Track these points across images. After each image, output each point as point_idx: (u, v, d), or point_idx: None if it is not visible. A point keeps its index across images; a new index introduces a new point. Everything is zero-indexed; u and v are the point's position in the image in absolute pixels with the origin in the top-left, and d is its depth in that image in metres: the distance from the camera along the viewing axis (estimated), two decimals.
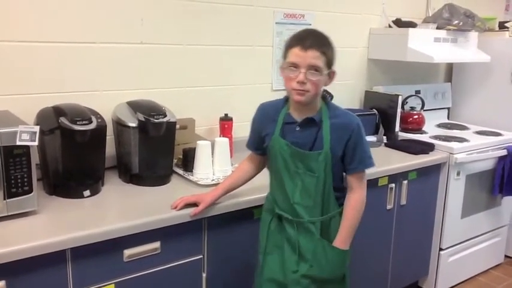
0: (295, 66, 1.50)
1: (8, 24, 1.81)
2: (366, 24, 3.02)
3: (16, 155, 1.49)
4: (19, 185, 1.51)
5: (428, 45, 2.89)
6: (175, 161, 2.09)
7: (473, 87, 3.40)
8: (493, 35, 3.28)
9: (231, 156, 2.09)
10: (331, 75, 1.57)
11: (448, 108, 3.51)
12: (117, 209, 1.73)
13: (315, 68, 1.50)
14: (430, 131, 3.01)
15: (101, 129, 1.80)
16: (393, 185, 2.38)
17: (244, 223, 1.84)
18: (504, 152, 2.85)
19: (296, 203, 1.61)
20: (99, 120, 1.79)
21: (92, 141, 1.75)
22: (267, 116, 1.67)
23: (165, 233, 1.63)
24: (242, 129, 2.18)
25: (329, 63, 1.54)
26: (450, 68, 3.56)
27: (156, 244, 1.63)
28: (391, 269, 2.55)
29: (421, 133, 2.94)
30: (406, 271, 2.66)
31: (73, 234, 1.44)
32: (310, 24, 2.72)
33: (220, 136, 2.25)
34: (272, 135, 1.62)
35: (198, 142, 1.99)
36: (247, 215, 1.84)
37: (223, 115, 2.31)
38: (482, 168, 2.81)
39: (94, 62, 2.02)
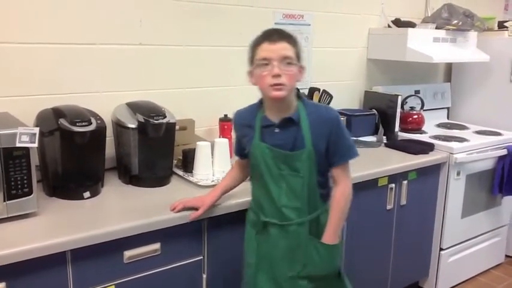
0: (266, 61, 1.47)
1: (8, 26, 1.81)
2: (365, 24, 3.02)
3: (16, 156, 1.49)
4: (19, 186, 1.51)
5: (427, 45, 2.89)
6: (175, 162, 2.09)
7: (472, 87, 3.40)
8: (492, 34, 3.28)
9: (230, 157, 2.08)
10: (300, 70, 1.54)
11: (448, 108, 3.51)
12: (117, 210, 1.73)
13: (287, 59, 1.47)
14: (429, 131, 3.01)
15: (101, 131, 1.79)
16: (393, 185, 2.37)
17: (244, 224, 1.83)
18: (504, 152, 2.85)
19: (283, 206, 1.58)
20: (99, 121, 1.79)
21: (92, 142, 1.75)
22: (244, 123, 1.65)
23: (165, 234, 1.63)
24: None
25: (298, 55, 1.52)
26: (449, 67, 3.56)
27: (156, 245, 1.63)
28: (392, 270, 2.55)
29: (421, 133, 2.94)
30: (407, 271, 2.66)
31: (73, 235, 1.44)
32: (309, 25, 2.72)
33: (219, 137, 2.25)
34: (252, 141, 1.59)
35: (198, 143, 1.99)
36: None
37: (223, 116, 2.31)
38: (482, 168, 2.81)
39: (93, 63, 2.03)
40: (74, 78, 1.99)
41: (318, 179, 1.60)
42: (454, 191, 2.68)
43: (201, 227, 1.73)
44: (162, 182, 1.95)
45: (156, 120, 1.88)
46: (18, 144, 1.49)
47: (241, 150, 1.71)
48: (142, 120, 1.87)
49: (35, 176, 1.55)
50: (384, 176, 2.32)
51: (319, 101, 2.68)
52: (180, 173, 2.04)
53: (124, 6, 2.07)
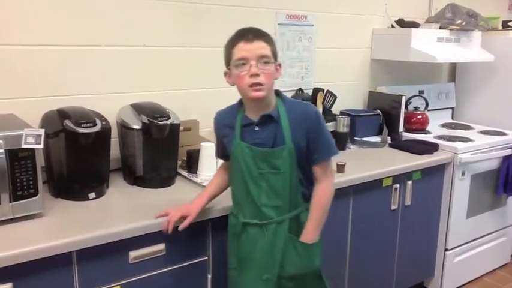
0: (244, 60, 1.46)
1: (13, 29, 1.82)
2: (368, 25, 3.02)
3: (21, 158, 1.50)
4: (24, 187, 1.52)
5: (431, 45, 2.89)
6: (179, 162, 2.09)
7: (477, 86, 3.39)
8: (497, 34, 3.28)
9: None
10: (277, 69, 1.54)
11: (452, 108, 3.50)
12: (122, 211, 1.73)
13: (265, 58, 1.47)
14: (434, 131, 3.00)
15: (105, 132, 1.80)
16: (397, 185, 2.37)
17: None
18: (509, 152, 2.84)
19: (263, 205, 1.57)
20: (104, 122, 1.80)
21: (97, 143, 1.76)
22: (224, 124, 1.63)
23: (170, 235, 1.62)
24: None
25: (274, 54, 1.52)
26: (454, 67, 3.55)
27: (161, 246, 1.63)
28: (397, 270, 2.54)
29: (425, 133, 2.94)
30: (412, 272, 2.65)
31: (78, 236, 1.45)
32: (312, 25, 2.73)
33: None
34: (233, 141, 1.58)
35: (202, 144, 2.00)
36: None
37: None
38: (487, 168, 2.80)
39: (98, 65, 2.03)
40: (79, 79, 1.99)
41: (300, 177, 1.59)
42: (459, 191, 2.67)
43: (206, 227, 1.74)
44: (166, 182, 1.95)
45: (160, 121, 1.88)
46: (23, 146, 1.50)
47: (223, 152, 1.68)
48: (147, 122, 1.88)
49: (40, 177, 1.56)
50: (389, 177, 2.32)
51: (323, 101, 2.68)
52: (185, 173, 2.04)
53: (127, 8, 2.07)
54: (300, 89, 2.69)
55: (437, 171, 2.59)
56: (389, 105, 2.86)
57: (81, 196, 1.75)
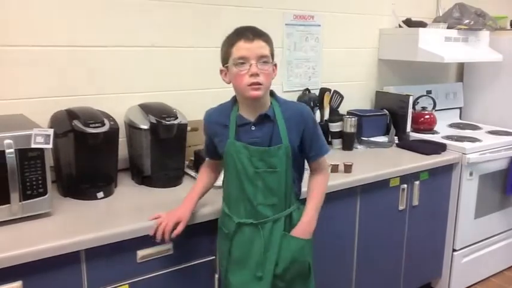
0: (243, 60, 1.45)
1: (21, 30, 1.84)
2: (375, 25, 3.01)
3: (31, 157, 1.52)
4: (34, 187, 1.54)
5: (439, 44, 2.88)
6: (186, 162, 2.10)
7: (485, 86, 3.37)
8: (505, 33, 3.25)
9: None
10: (274, 69, 1.54)
11: (460, 108, 3.49)
12: (130, 211, 1.74)
13: (264, 58, 1.47)
14: (442, 131, 2.99)
15: (114, 132, 1.82)
16: (405, 185, 2.36)
17: None
18: None
19: (259, 204, 1.56)
20: (112, 122, 1.81)
21: (105, 143, 1.78)
22: (216, 122, 1.61)
23: (177, 236, 1.63)
24: None
25: (272, 54, 1.52)
26: (461, 67, 3.54)
27: (169, 245, 1.64)
28: (404, 271, 2.53)
29: (433, 133, 2.93)
30: (419, 272, 2.64)
31: (87, 235, 1.46)
32: (319, 25, 2.73)
33: None
34: (226, 141, 1.56)
35: None
36: None
37: None
38: (495, 168, 2.78)
39: (106, 66, 2.05)
40: (87, 80, 2.01)
41: (293, 175, 1.61)
42: (466, 192, 2.66)
43: (213, 227, 1.74)
44: (174, 182, 1.96)
45: (168, 121, 1.89)
46: (33, 146, 1.51)
47: (213, 151, 1.66)
48: (155, 122, 1.89)
49: (49, 176, 1.57)
50: (396, 177, 2.31)
51: (330, 101, 2.68)
52: (192, 173, 2.05)
53: (135, 9, 2.09)
54: (307, 89, 2.69)
55: (445, 171, 2.58)
56: (397, 105, 2.85)
57: (90, 195, 1.77)
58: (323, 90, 2.68)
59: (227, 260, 1.64)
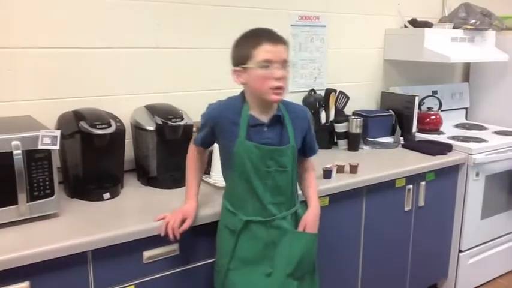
0: (268, 63, 1.46)
1: (28, 32, 1.85)
2: (381, 25, 3.01)
3: (38, 158, 1.53)
4: (41, 188, 1.54)
5: (444, 45, 2.87)
6: None
7: (491, 86, 3.35)
8: (511, 33, 3.24)
9: None
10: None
11: (466, 108, 3.47)
12: (137, 211, 1.75)
13: (286, 63, 1.49)
14: (447, 131, 2.98)
15: (120, 133, 1.82)
16: (411, 186, 2.36)
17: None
18: None
19: (269, 203, 1.58)
20: (118, 124, 1.82)
21: (111, 144, 1.78)
22: (225, 118, 1.57)
23: (184, 235, 1.63)
24: None
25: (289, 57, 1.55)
26: (468, 67, 3.52)
27: (175, 246, 1.64)
28: (410, 271, 2.53)
29: (439, 134, 2.92)
30: (425, 273, 2.63)
31: (94, 236, 1.47)
32: (325, 26, 2.72)
33: None
34: (236, 140, 1.54)
35: (215, 144, 2.00)
36: None
37: None
38: (501, 168, 2.77)
39: (112, 67, 2.06)
40: (94, 81, 2.02)
41: (296, 174, 1.66)
42: (473, 192, 2.65)
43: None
44: (180, 183, 1.96)
45: (174, 122, 1.90)
46: (40, 147, 1.52)
47: (208, 141, 1.67)
48: (161, 123, 1.90)
49: (56, 177, 1.58)
50: (402, 177, 2.31)
51: (335, 102, 2.68)
52: None
53: (140, 11, 2.10)
54: (313, 90, 2.69)
55: (451, 172, 2.57)
56: (403, 106, 2.84)
57: (96, 196, 1.77)
58: (328, 91, 2.67)
59: (230, 258, 1.61)
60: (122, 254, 1.54)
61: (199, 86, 2.31)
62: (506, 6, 3.50)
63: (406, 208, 2.39)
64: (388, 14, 3.02)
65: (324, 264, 1.84)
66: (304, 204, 1.71)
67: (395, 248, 2.43)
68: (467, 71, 3.52)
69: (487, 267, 2.92)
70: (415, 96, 2.81)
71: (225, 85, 2.37)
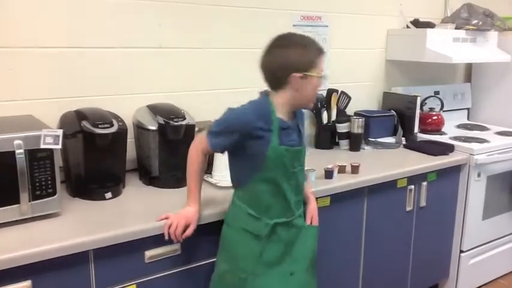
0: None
1: (30, 31, 1.86)
2: (383, 25, 3.00)
3: (40, 158, 1.53)
4: (43, 187, 1.55)
5: (447, 45, 2.87)
6: None
7: (493, 87, 3.35)
8: None
9: None
10: None
11: (468, 109, 3.47)
12: (138, 211, 1.75)
13: None
14: (449, 132, 2.98)
15: (122, 133, 1.83)
16: (412, 186, 2.36)
17: None
18: None
19: (293, 202, 1.63)
20: (120, 123, 1.82)
21: (113, 144, 1.78)
22: (260, 124, 1.52)
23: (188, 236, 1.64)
24: None
25: None
26: (470, 68, 3.52)
27: (177, 245, 1.64)
28: (411, 272, 2.53)
29: (441, 134, 2.92)
30: (426, 274, 2.63)
31: (95, 235, 1.47)
32: (327, 26, 2.72)
33: None
34: (269, 145, 1.52)
35: None
36: None
37: None
38: (503, 169, 2.77)
39: (114, 67, 2.06)
40: (96, 81, 2.02)
41: None
42: (474, 193, 2.65)
43: (221, 227, 1.74)
44: (181, 183, 1.95)
45: (175, 122, 1.90)
46: (42, 146, 1.52)
47: (229, 147, 1.59)
48: (163, 122, 1.90)
49: (58, 177, 1.58)
50: (403, 178, 2.31)
51: (337, 102, 2.68)
52: None
53: (142, 10, 2.10)
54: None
55: (452, 172, 2.57)
56: (404, 106, 2.84)
57: (98, 196, 1.78)
58: (330, 91, 2.67)
59: (255, 263, 1.58)
60: (123, 253, 1.54)
61: (201, 85, 2.31)
62: (508, 7, 3.50)
63: (408, 208, 2.39)
64: (390, 15, 3.01)
65: (325, 263, 1.84)
66: None
67: (397, 248, 2.43)
68: (469, 72, 3.52)
69: (488, 268, 2.91)
70: (417, 96, 2.81)
71: (229, 85, 2.39)
